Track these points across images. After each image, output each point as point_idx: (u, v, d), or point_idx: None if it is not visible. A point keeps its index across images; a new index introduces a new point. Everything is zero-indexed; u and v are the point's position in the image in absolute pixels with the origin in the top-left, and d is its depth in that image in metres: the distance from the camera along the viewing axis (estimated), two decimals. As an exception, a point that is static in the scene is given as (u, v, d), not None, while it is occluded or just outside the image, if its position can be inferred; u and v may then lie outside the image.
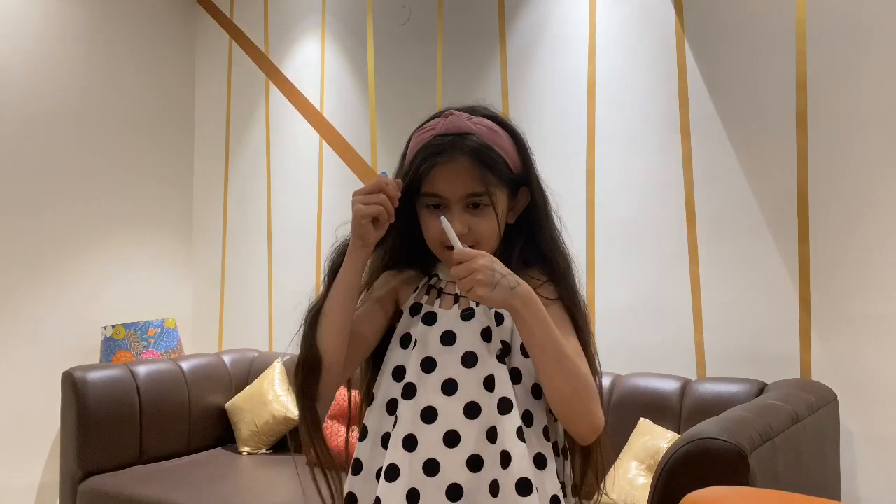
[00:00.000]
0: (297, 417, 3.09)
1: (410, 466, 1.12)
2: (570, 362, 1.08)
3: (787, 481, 1.68)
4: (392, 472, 1.13)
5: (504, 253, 1.20)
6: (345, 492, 1.19)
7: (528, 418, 1.15)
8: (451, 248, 1.13)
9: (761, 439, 1.59)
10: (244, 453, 3.17)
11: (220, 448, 3.29)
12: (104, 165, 3.75)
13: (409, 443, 1.13)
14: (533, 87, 2.94)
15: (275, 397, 3.18)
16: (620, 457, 2.28)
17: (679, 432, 2.23)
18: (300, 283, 3.64)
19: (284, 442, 3.20)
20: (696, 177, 2.57)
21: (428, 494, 1.12)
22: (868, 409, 2.24)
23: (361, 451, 1.20)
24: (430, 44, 3.24)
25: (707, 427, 1.59)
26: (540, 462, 1.14)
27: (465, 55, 3.13)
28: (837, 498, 2.16)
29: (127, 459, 2.98)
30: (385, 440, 1.17)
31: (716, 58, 2.54)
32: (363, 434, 1.20)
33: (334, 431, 2.94)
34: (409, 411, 1.14)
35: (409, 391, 1.15)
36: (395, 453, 1.13)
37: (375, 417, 1.20)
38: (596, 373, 1.20)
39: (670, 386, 2.39)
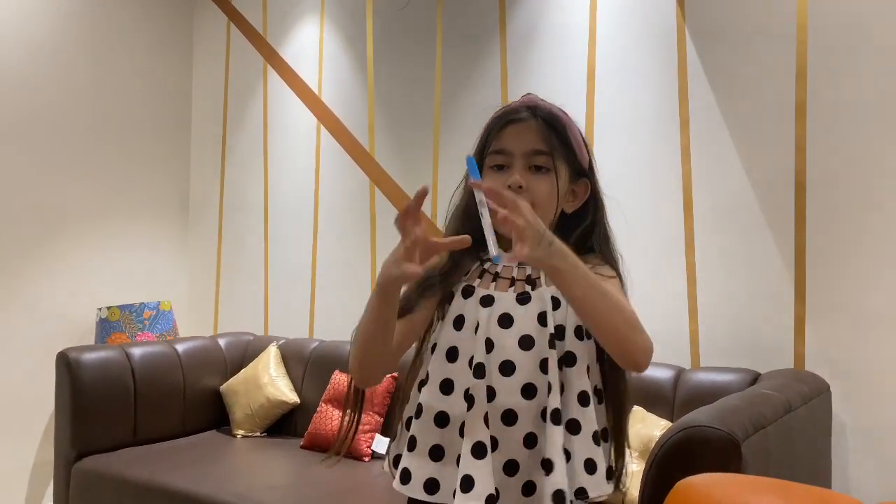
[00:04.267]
0: (291, 401, 3.13)
1: (492, 443, 1.15)
2: (614, 298, 1.08)
3: (779, 470, 1.69)
4: (481, 450, 1.14)
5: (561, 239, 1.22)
6: (399, 466, 1.19)
7: (584, 399, 1.17)
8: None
9: (754, 428, 1.59)
10: (238, 436, 3.18)
11: (214, 430, 3.30)
12: (100, 148, 3.73)
13: (486, 420, 1.16)
14: (532, 73, 2.92)
15: (269, 381, 3.19)
16: (613, 444, 2.29)
17: (672, 420, 2.24)
18: (296, 267, 3.64)
19: (278, 425, 3.21)
20: (693, 167, 2.56)
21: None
22: (860, 400, 2.24)
23: (415, 428, 1.20)
24: (430, 28, 3.22)
25: (700, 415, 1.60)
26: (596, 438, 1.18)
27: (464, 40, 3.11)
28: (828, 487, 2.17)
29: (121, 440, 2.98)
30: (439, 419, 1.18)
31: (716, 47, 2.53)
32: (418, 412, 1.20)
33: (328, 415, 2.95)
34: (481, 391, 1.16)
35: (479, 371, 1.16)
36: (481, 431, 1.14)
37: (431, 397, 1.20)
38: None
39: (664, 374, 2.40)
